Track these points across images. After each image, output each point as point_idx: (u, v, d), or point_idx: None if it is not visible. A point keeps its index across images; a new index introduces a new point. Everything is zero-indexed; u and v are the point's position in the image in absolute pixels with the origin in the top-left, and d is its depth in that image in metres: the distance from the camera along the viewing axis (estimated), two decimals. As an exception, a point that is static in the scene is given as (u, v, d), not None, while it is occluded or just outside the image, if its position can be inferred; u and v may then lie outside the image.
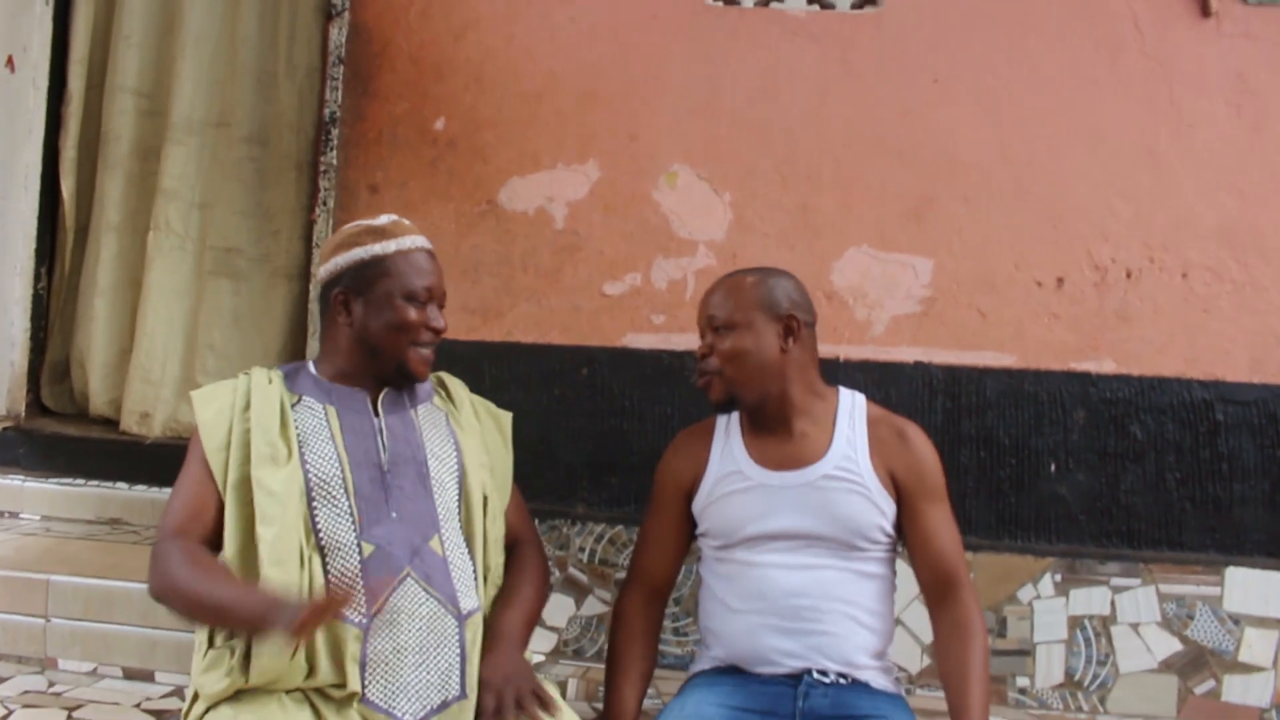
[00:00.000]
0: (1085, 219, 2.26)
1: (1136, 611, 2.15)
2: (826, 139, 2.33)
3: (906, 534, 1.59)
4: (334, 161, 2.49)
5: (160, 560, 1.34)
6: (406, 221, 1.54)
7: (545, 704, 1.38)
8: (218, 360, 2.67)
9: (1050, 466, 2.23)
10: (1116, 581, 2.16)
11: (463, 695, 1.36)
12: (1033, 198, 2.27)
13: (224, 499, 1.37)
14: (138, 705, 1.92)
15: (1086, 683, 2.14)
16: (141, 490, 2.54)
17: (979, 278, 2.27)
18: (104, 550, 2.30)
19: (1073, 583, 2.16)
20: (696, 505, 1.66)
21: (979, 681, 1.46)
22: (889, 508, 1.57)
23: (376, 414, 1.48)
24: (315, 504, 1.37)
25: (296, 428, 1.42)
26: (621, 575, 2.19)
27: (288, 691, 1.32)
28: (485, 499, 1.52)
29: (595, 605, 2.28)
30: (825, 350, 1.75)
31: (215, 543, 1.39)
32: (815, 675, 1.52)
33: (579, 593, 2.28)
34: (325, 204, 2.50)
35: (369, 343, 1.47)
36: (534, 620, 1.54)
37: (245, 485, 1.37)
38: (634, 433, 2.35)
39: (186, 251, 2.69)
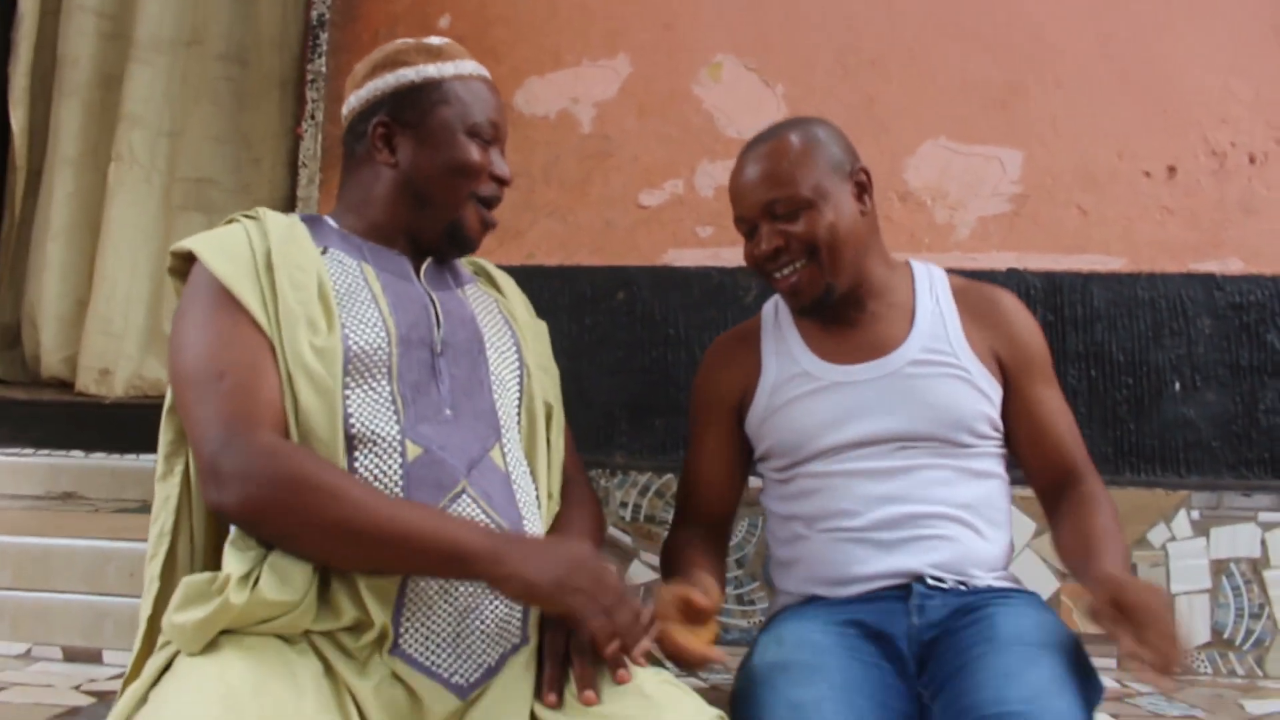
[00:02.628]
0: (1198, 101, 1.96)
1: (1291, 552, 1.80)
2: (893, 23, 2.04)
3: (1014, 425, 1.27)
4: (323, 69, 2.18)
5: (264, 461, 0.92)
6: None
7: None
8: (189, 307, 2.30)
9: (1174, 385, 1.89)
10: (1265, 517, 1.81)
11: (524, 642, 1.01)
12: (1136, 80, 1.97)
13: (282, 372, 1.00)
14: (77, 687, 1.52)
15: (1239, 641, 1.78)
16: (100, 459, 2.14)
17: (1077, 170, 1.96)
18: (46, 519, 1.91)
19: (1213, 520, 1.81)
20: (751, 422, 1.32)
21: (1113, 538, 1.16)
22: (995, 393, 1.26)
23: (421, 284, 1.15)
24: (349, 384, 1.02)
25: (333, 285, 1.07)
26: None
27: (287, 639, 0.93)
28: (549, 409, 1.20)
29: (642, 571, 1.91)
30: (904, 260, 1.42)
31: None
32: (929, 582, 1.17)
33: (622, 556, 1.91)
34: (313, 118, 2.19)
35: (417, 189, 1.13)
36: (599, 547, 1.18)
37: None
38: (681, 365, 2.00)
39: (153, 184, 2.35)
